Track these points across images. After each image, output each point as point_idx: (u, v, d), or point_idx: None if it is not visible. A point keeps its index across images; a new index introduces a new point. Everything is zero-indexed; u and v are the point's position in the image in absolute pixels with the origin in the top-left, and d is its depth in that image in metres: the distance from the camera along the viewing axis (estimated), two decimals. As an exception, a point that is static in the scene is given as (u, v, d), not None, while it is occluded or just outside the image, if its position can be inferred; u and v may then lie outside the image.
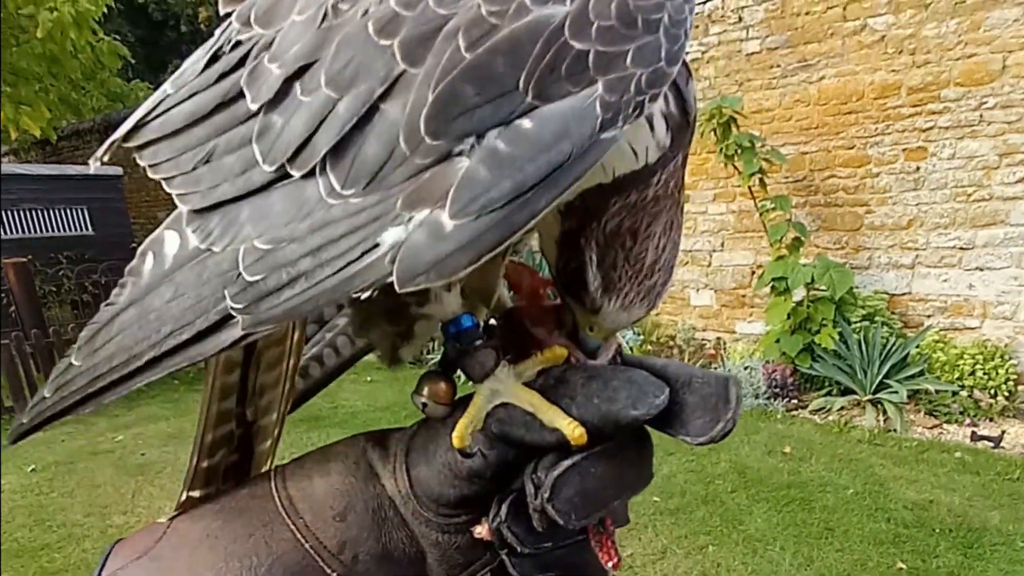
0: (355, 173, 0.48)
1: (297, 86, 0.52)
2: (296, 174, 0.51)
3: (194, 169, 0.57)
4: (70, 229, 13.11)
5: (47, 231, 12.84)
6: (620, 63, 0.46)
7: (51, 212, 12.89)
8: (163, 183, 0.59)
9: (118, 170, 13.64)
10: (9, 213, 12.28)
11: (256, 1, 0.59)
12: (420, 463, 0.61)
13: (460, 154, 0.46)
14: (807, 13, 6.86)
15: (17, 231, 12.44)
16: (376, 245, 0.47)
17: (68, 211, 13.11)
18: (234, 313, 0.50)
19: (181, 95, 0.60)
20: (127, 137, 0.63)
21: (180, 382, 8.41)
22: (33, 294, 9.08)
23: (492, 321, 0.71)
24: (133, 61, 13.65)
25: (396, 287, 0.46)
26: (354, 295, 0.47)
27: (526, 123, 0.45)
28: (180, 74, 0.62)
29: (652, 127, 0.54)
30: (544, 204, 0.45)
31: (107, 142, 0.65)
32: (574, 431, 0.53)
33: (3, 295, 9.36)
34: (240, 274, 0.50)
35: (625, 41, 0.46)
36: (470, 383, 0.61)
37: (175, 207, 0.57)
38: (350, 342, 0.80)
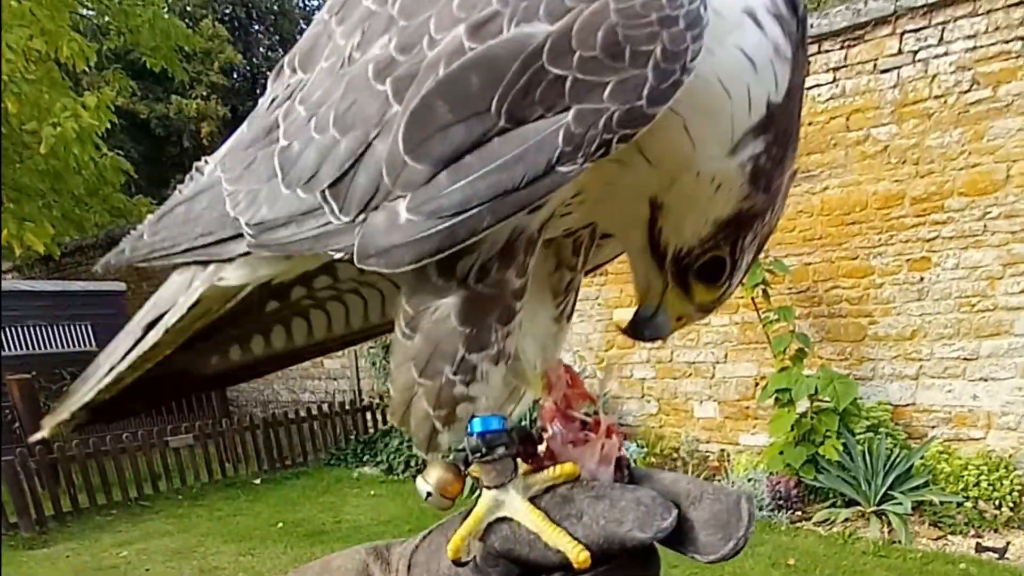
0: (348, 205, 0.56)
1: (313, 123, 0.60)
2: (304, 196, 0.60)
3: (241, 171, 0.67)
4: (73, 345, 13.58)
5: (51, 347, 13.32)
6: (597, 95, 0.47)
7: (55, 328, 13.41)
8: (224, 183, 0.69)
9: (121, 286, 14.21)
10: (13, 330, 12.81)
11: (299, 47, 0.68)
12: None
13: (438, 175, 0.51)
14: (810, 123, 7.08)
15: (21, 348, 12.95)
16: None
17: (71, 327, 13.62)
18: (246, 234, 0.63)
19: (247, 130, 0.72)
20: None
21: (184, 497, 8.75)
22: (37, 410, 9.38)
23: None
24: (136, 177, 13.78)
25: (355, 260, 0.54)
26: (329, 251, 0.58)
27: (495, 142, 0.49)
28: (255, 114, 0.72)
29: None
30: (487, 225, 0.50)
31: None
32: (579, 555, 0.54)
33: (7, 411, 9.80)
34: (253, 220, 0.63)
35: (606, 72, 0.47)
36: (476, 482, 0.62)
37: None
38: (286, 334, 0.85)
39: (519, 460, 0.63)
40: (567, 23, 0.48)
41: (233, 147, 0.72)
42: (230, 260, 0.67)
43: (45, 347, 13.33)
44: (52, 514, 8.03)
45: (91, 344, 13.71)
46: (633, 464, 0.66)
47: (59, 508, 8.11)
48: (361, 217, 0.55)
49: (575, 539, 0.55)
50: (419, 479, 0.64)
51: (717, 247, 0.64)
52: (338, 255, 0.57)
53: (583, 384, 0.70)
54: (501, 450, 0.60)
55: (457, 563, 0.60)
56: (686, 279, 0.67)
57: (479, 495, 0.61)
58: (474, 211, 0.49)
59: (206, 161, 0.77)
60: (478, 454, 0.60)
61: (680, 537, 0.55)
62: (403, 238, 0.51)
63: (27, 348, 13.08)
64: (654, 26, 0.47)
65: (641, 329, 0.72)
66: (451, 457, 0.64)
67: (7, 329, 12.71)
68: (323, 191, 0.57)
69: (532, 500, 0.59)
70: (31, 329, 13.17)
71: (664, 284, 0.68)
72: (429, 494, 0.63)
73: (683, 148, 0.56)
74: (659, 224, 0.64)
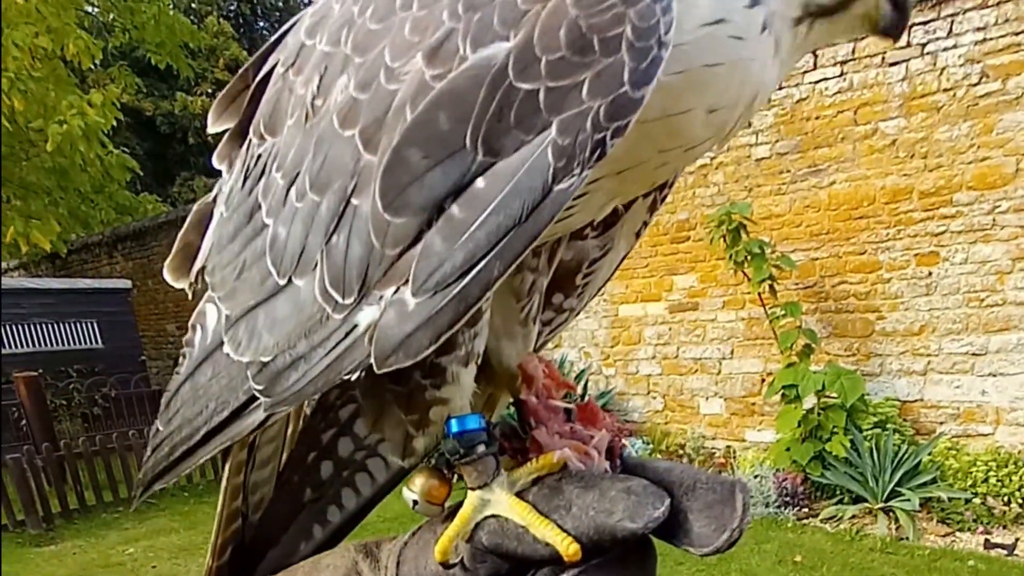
0: (349, 281, 0.52)
1: (293, 192, 0.56)
2: (300, 283, 0.56)
3: (233, 283, 0.63)
4: (80, 343, 13.74)
5: (57, 345, 13.48)
6: (575, 97, 0.44)
7: (61, 326, 13.55)
8: (217, 300, 0.64)
9: (127, 283, 14.39)
10: (20, 327, 12.94)
11: (262, 112, 0.64)
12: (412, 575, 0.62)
13: (426, 232, 0.48)
14: (817, 118, 7.14)
15: (27, 345, 13.08)
16: (355, 326, 0.51)
17: (78, 325, 13.76)
18: (256, 395, 0.57)
19: (227, 214, 0.67)
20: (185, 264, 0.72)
21: (190, 495, 8.78)
22: (44, 408, 9.52)
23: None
24: (141, 174, 14.08)
25: (374, 367, 0.49)
26: (344, 376, 0.51)
27: (479, 183, 0.46)
28: (228, 194, 0.67)
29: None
30: (498, 273, 0.46)
31: (193, 272, 0.72)
32: (568, 548, 0.52)
33: (14, 409, 9.87)
34: (258, 358, 0.57)
35: (579, 70, 0.44)
36: (457, 478, 0.62)
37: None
38: (385, 465, 0.75)
39: (506, 456, 0.63)
40: (526, 34, 0.45)
41: (216, 244, 0.67)
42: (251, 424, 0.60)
43: (51, 344, 13.46)
44: (59, 512, 8.10)
45: (97, 341, 13.88)
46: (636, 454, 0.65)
47: (66, 506, 8.19)
48: (365, 300, 0.51)
49: (564, 531, 0.53)
50: (404, 489, 0.64)
51: None
52: (356, 374, 0.52)
53: (558, 373, 0.70)
54: (481, 448, 0.59)
55: (445, 565, 0.59)
56: None
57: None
58: (481, 265, 0.46)
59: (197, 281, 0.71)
60: (457, 455, 0.59)
61: (673, 528, 0.54)
62: (416, 323, 0.48)
63: (33, 345, 13.21)
64: (618, 6, 0.44)
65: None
66: (433, 462, 0.65)
67: (14, 327, 12.81)
68: (318, 275, 0.54)
69: (519, 494, 0.58)
70: (38, 326, 13.29)
71: None
72: (415, 502, 0.62)
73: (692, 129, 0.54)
74: None
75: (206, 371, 0.63)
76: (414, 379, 0.60)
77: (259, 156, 0.63)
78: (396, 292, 0.48)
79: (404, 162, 0.47)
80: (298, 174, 0.56)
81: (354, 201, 0.51)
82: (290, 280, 0.56)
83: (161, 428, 0.68)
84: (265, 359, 0.56)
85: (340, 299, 0.52)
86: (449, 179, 0.46)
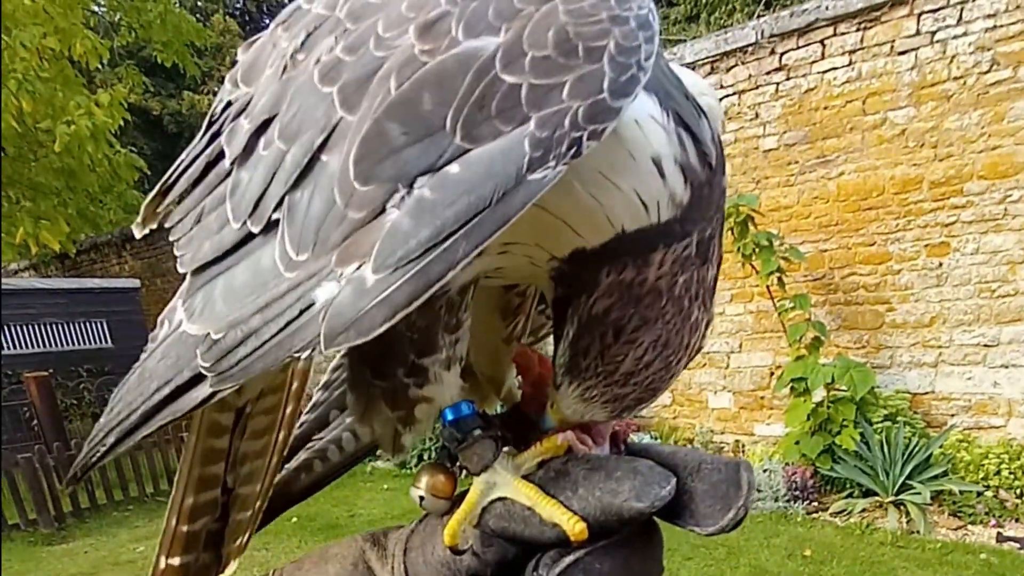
0: (304, 237, 0.51)
1: (261, 140, 0.56)
2: (255, 229, 0.54)
3: (190, 230, 0.62)
4: (90, 342, 13.83)
5: (67, 345, 13.56)
6: (556, 96, 0.45)
7: (71, 326, 13.64)
8: (174, 247, 0.63)
9: (135, 282, 14.47)
10: (30, 327, 13.03)
11: (241, 61, 0.64)
12: (418, 563, 0.62)
13: (393, 207, 0.47)
14: (825, 108, 7.09)
15: (38, 346, 13.17)
16: (312, 304, 0.49)
17: (87, 324, 13.85)
18: (203, 371, 0.54)
19: (187, 160, 0.67)
20: (154, 205, 0.70)
21: (199, 493, 8.85)
22: (54, 407, 9.67)
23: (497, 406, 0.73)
24: (149, 174, 13.94)
25: (322, 346, 0.47)
26: (295, 353, 0.49)
27: (453, 168, 0.46)
28: (193, 144, 0.67)
29: (663, 174, 0.52)
30: (463, 253, 0.45)
31: (142, 207, 0.71)
32: (575, 527, 0.53)
33: (25, 409, 10.01)
34: (208, 334, 0.54)
35: (562, 72, 0.46)
36: (466, 474, 0.62)
37: None
38: (354, 439, 0.81)
39: (511, 444, 0.63)
40: (517, 30, 0.47)
41: (181, 197, 0.66)
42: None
43: (62, 344, 13.53)
44: (70, 510, 8.21)
45: (107, 341, 13.96)
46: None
47: (77, 504, 8.29)
48: (324, 274, 0.49)
49: (571, 512, 0.54)
50: (411, 487, 0.64)
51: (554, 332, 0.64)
52: (306, 353, 0.49)
53: (550, 362, 0.69)
54: (477, 432, 0.60)
55: (455, 551, 0.59)
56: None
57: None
58: (447, 244, 0.45)
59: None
60: (455, 442, 0.60)
61: (678, 509, 0.54)
62: (372, 299, 0.46)
63: (44, 346, 13.29)
64: (605, 23, 0.46)
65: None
66: (436, 458, 0.65)
67: (25, 327, 12.92)
68: (276, 223, 0.53)
69: (525, 478, 0.58)
70: (48, 326, 13.37)
71: None
72: (422, 498, 0.63)
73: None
74: None
75: (156, 355, 0.61)
76: (398, 376, 0.60)
77: (228, 103, 0.64)
78: (358, 270, 0.47)
79: (384, 135, 0.48)
80: (266, 121, 0.56)
81: (323, 157, 0.51)
82: (248, 232, 0.55)
83: (102, 420, 0.66)
84: (217, 336, 0.54)
85: (294, 255, 0.51)
86: (424, 158, 0.46)
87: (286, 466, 0.82)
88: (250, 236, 0.55)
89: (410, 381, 0.60)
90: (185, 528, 0.76)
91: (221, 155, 0.61)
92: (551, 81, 0.45)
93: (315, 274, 0.49)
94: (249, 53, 0.65)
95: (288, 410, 0.75)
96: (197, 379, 0.55)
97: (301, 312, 0.49)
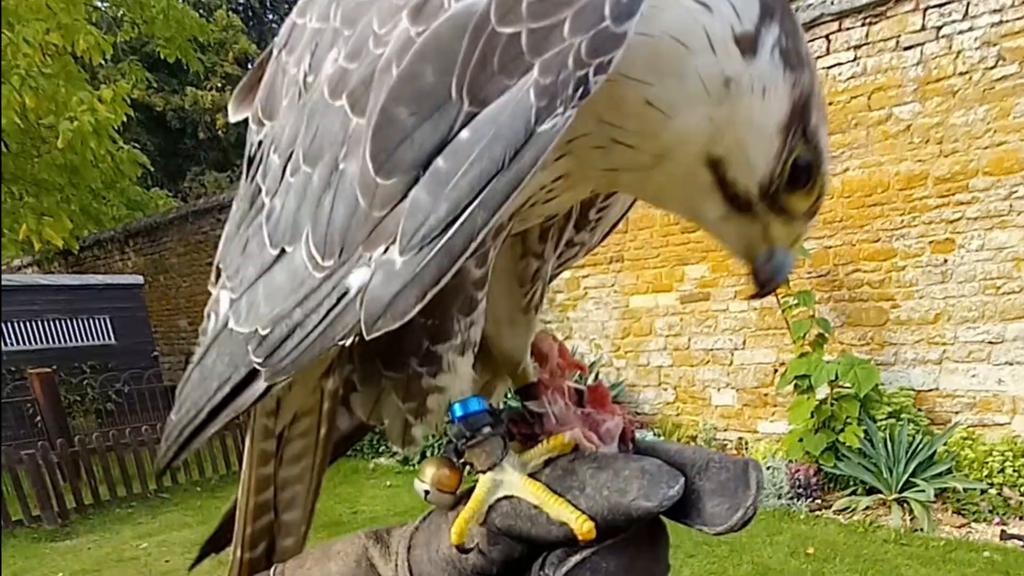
0: (330, 242, 0.52)
1: (288, 169, 0.57)
2: (290, 250, 0.56)
3: (238, 262, 0.64)
4: (93, 339, 13.87)
5: (71, 341, 13.61)
6: (557, 36, 0.43)
7: (74, 322, 13.68)
8: (225, 281, 0.66)
9: (139, 278, 14.49)
10: (33, 324, 13.08)
11: (259, 98, 0.65)
12: (422, 560, 0.62)
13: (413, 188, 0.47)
14: (830, 103, 6.93)
15: (41, 342, 13.23)
16: (347, 291, 0.50)
17: (91, 321, 13.89)
18: (256, 367, 0.57)
19: (235, 205, 0.69)
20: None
21: (203, 490, 8.92)
22: (58, 404, 9.64)
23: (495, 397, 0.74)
24: (152, 169, 14.17)
25: (364, 332, 0.49)
26: (339, 341, 0.51)
27: (464, 134, 0.45)
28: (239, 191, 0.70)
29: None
30: (482, 223, 0.45)
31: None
32: (582, 526, 0.53)
33: (29, 405, 10.06)
34: (256, 330, 0.57)
35: (560, 9, 0.44)
36: (471, 471, 0.62)
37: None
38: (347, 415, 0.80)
39: (516, 441, 0.63)
40: None
41: (227, 234, 0.69)
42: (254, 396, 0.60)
43: (65, 341, 13.58)
44: (74, 507, 8.23)
45: (110, 337, 14.00)
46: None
47: (80, 501, 8.31)
48: (354, 262, 0.50)
49: (579, 511, 0.53)
50: (416, 480, 0.63)
51: (793, 149, 0.57)
52: (348, 340, 0.51)
53: (569, 354, 0.71)
54: (487, 430, 0.59)
55: (461, 549, 0.58)
56: (779, 202, 0.60)
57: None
58: (465, 215, 0.44)
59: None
60: (463, 439, 0.59)
61: (686, 508, 0.54)
62: (402, 282, 0.47)
63: (47, 342, 13.34)
64: None
65: (767, 280, 0.65)
66: (442, 451, 0.63)
67: (29, 323, 12.97)
68: (303, 239, 0.54)
69: (532, 476, 0.58)
70: (51, 323, 13.42)
71: (762, 225, 0.61)
72: (427, 492, 0.62)
73: (653, 121, 0.53)
74: (729, 176, 0.57)
75: (212, 353, 0.64)
76: (411, 366, 0.60)
77: (259, 143, 0.65)
78: (385, 252, 0.48)
79: (393, 121, 0.47)
80: (292, 152, 0.57)
81: (342, 166, 0.51)
82: (283, 250, 0.57)
83: (173, 417, 0.69)
84: (264, 331, 0.56)
85: (320, 260, 0.52)
86: (437, 133, 0.46)
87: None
88: (283, 252, 0.57)
89: (423, 370, 0.60)
90: (248, 556, 0.80)
91: (258, 191, 0.63)
92: (550, 21, 0.44)
93: (346, 262, 0.51)
94: (262, 88, 0.66)
95: (322, 432, 0.77)
96: (252, 375, 0.58)
97: (338, 300, 0.51)
